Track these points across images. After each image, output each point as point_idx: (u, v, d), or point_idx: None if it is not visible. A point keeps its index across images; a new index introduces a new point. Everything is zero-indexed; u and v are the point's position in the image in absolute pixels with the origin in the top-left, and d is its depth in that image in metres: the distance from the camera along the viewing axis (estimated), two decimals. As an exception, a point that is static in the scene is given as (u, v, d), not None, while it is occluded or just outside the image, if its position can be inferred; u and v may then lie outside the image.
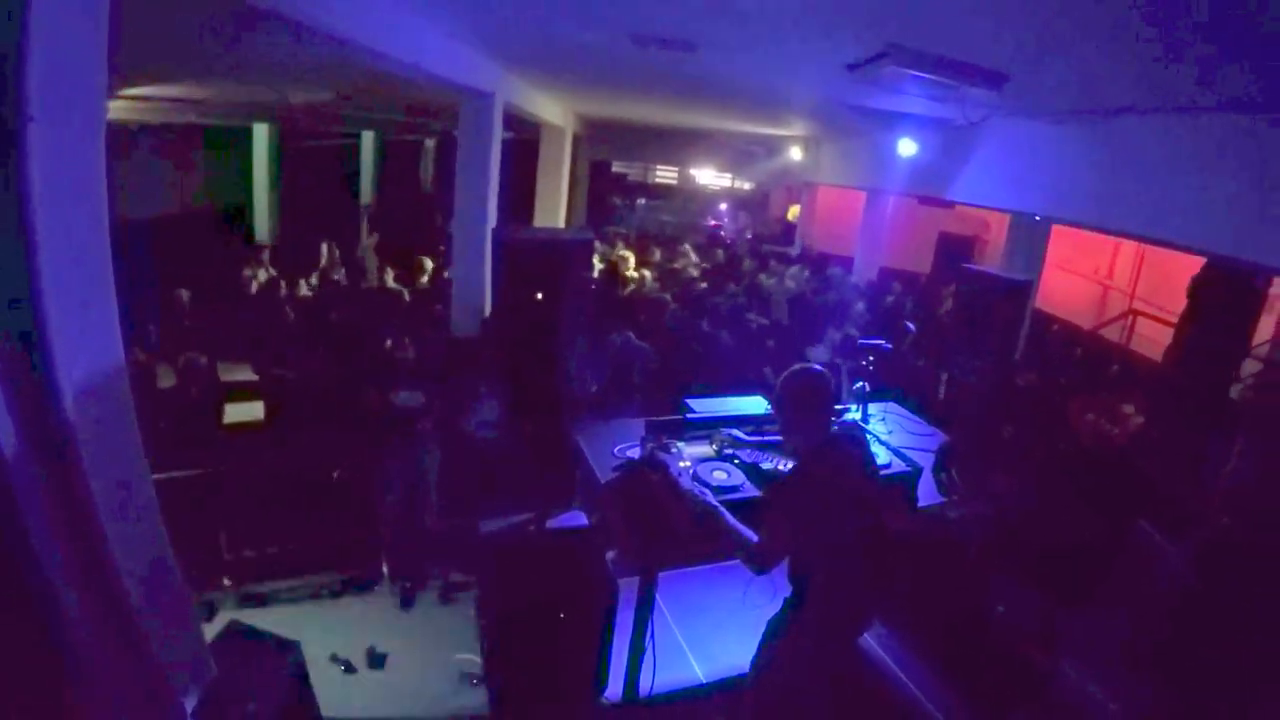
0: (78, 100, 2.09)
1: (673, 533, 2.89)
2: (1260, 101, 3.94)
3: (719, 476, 3.12)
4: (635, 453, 3.40)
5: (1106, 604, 4.74)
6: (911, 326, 7.34)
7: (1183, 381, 6.80)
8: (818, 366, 2.89)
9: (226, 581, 5.09)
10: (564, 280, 2.88)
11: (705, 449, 3.41)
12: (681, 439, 3.43)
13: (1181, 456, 5.96)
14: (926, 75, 4.34)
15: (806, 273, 11.46)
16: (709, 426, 3.56)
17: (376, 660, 4.61)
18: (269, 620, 4.44)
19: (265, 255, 9.52)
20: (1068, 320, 11.38)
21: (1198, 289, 6.65)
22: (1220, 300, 6.38)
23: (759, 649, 3.11)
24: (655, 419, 3.53)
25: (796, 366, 2.89)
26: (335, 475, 5.42)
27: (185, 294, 7.35)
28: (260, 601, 5.05)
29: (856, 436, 2.94)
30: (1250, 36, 2.89)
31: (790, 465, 3.22)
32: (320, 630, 4.74)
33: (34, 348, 2.02)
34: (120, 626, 2.39)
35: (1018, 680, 3.87)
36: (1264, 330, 7.66)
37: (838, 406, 2.85)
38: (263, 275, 8.81)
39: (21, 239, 1.94)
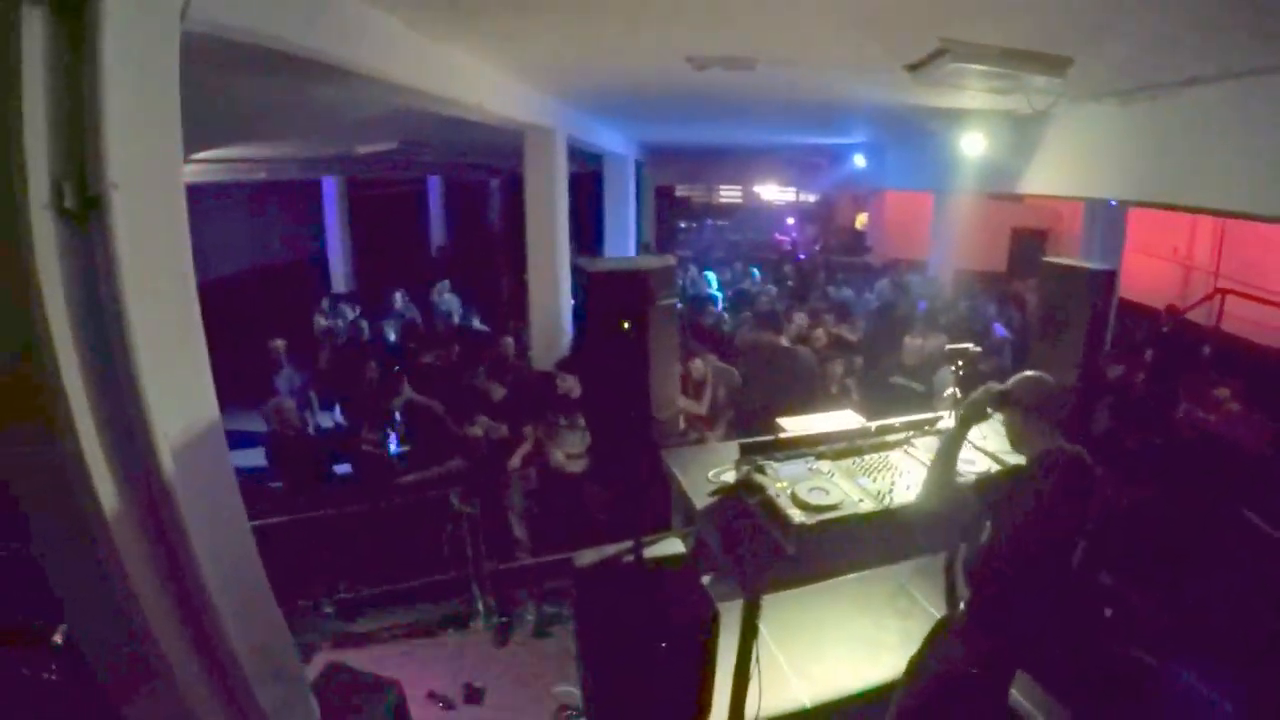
0: (157, 166, 2.18)
1: (776, 556, 2.85)
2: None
3: (818, 496, 3.05)
4: (730, 476, 3.36)
5: (1213, 598, 4.50)
6: (1001, 330, 7.13)
7: None
8: (1049, 377, 2.92)
9: (328, 614, 5.19)
10: (650, 307, 2.89)
11: (801, 468, 3.35)
12: (776, 460, 3.37)
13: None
14: (987, 68, 4.25)
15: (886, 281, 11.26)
16: (804, 446, 3.51)
17: (474, 696, 4.65)
18: (366, 659, 4.55)
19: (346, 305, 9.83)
20: (1150, 305, 10.91)
21: None
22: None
23: (915, 656, 3.11)
24: (748, 440, 3.48)
25: (1034, 373, 2.94)
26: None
27: (281, 343, 7.61)
28: (357, 642, 5.15)
29: (1083, 463, 2.86)
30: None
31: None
32: (417, 668, 4.81)
33: (130, 405, 2.09)
34: (225, 675, 2.45)
35: (1128, 684, 3.70)
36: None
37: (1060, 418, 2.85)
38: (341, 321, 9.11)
39: (114, 302, 2.01)
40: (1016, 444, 2.95)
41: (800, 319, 7.89)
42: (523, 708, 4.59)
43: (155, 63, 2.10)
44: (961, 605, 2.98)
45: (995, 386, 2.94)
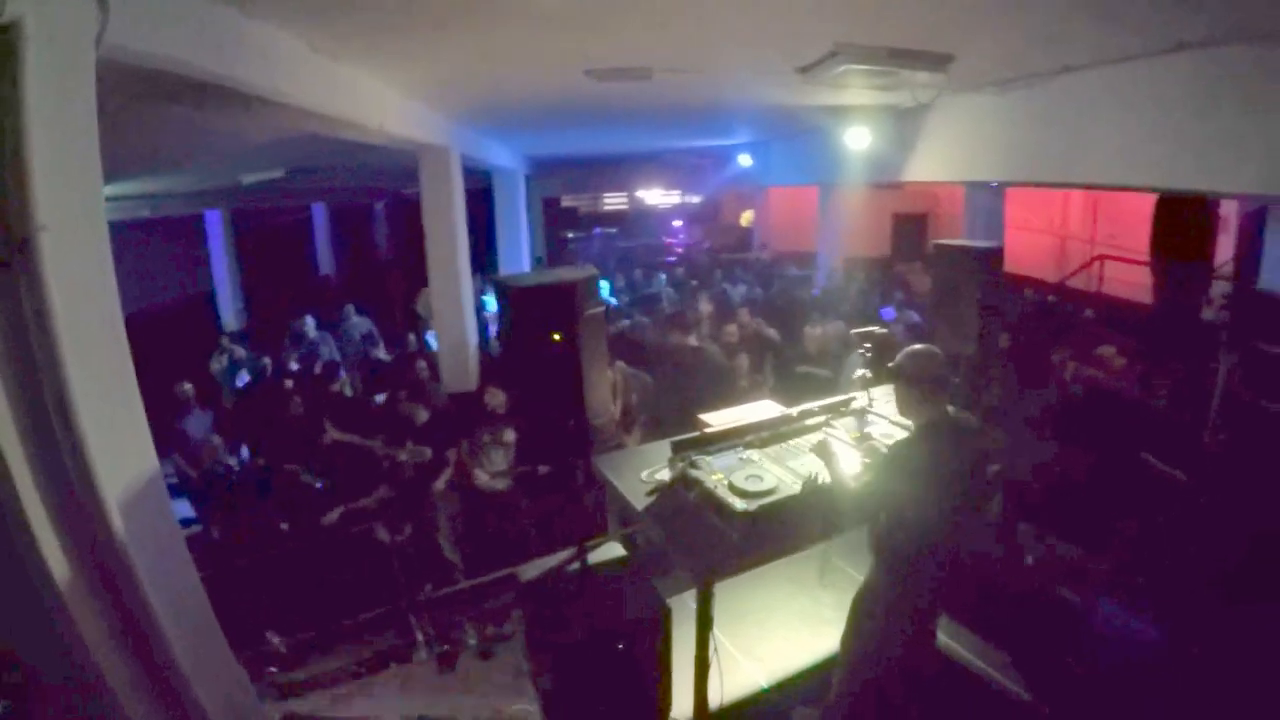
0: (82, 204, 2.09)
1: (722, 544, 2.95)
2: (1191, 40, 4.16)
3: (754, 483, 3.18)
4: (665, 474, 3.44)
5: (1123, 536, 4.90)
6: (888, 313, 7.47)
7: (1159, 313, 7.03)
8: (935, 349, 3.10)
9: (271, 671, 5.00)
10: (579, 318, 2.94)
11: (732, 459, 3.47)
12: (707, 454, 3.48)
13: (1167, 386, 6.16)
14: (876, 67, 4.50)
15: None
16: (732, 438, 3.63)
17: (430, 728, 4.57)
18: (315, 707, 4.41)
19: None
20: (1033, 277, 11.65)
21: (1158, 222, 6.89)
22: (1181, 229, 6.62)
23: (848, 630, 3.30)
24: (679, 438, 3.57)
25: (917, 347, 3.12)
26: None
27: (189, 387, 7.25)
28: (301, 689, 4.97)
29: (970, 426, 3.12)
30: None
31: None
32: (368, 707, 4.69)
33: (71, 462, 2.00)
34: None
35: (1056, 622, 3.98)
36: (1224, 251, 7.94)
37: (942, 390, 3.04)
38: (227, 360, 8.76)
39: (48, 351, 1.93)
40: (904, 412, 3.17)
41: (705, 307, 8.06)
42: (481, 732, 4.54)
43: (74, 94, 2.02)
44: (876, 569, 3.18)
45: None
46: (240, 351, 9.08)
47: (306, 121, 4.35)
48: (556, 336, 2.90)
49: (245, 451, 7.26)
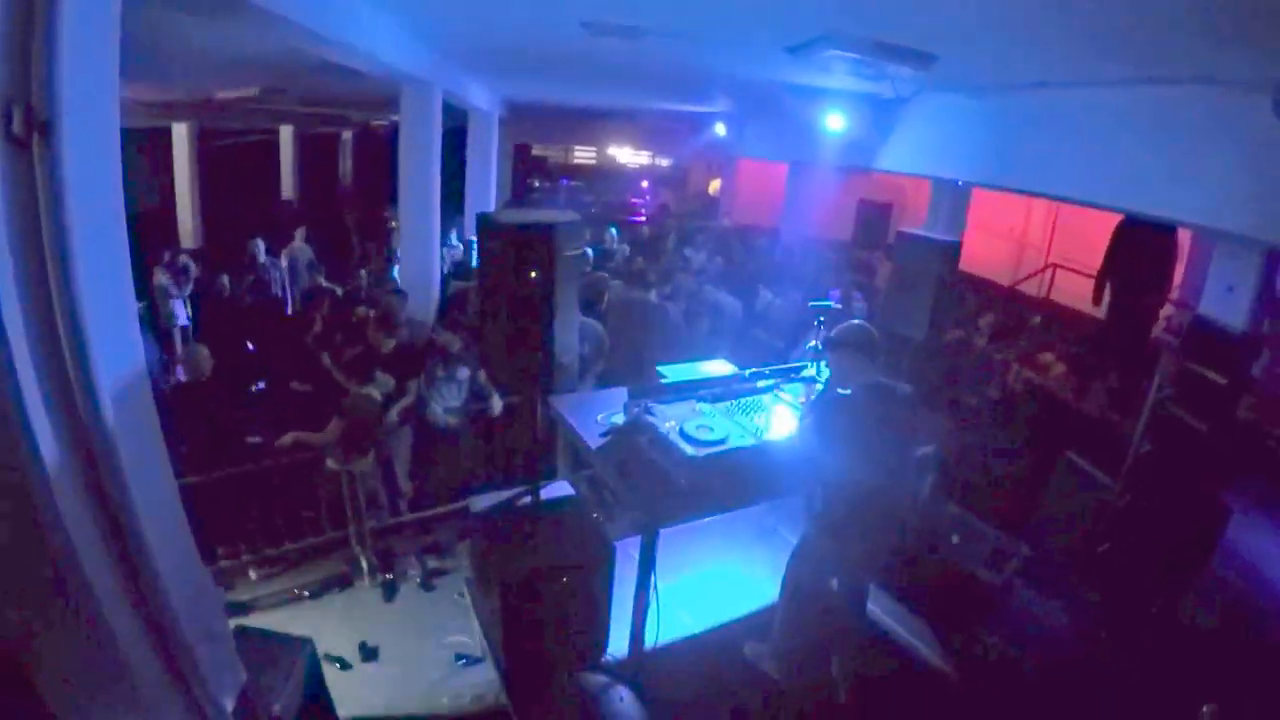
0: (101, 92, 2.08)
1: (671, 488, 3.11)
2: (1158, 76, 4.42)
3: (704, 433, 3.33)
4: (619, 419, 3.58)
5: (1046, 527, 5.23)
6: (834, 296, 7.66)
7: (1110, 326, 7.38)
8: (867, 324, 3.35)
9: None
10: (557, 258, 3.04)
11: (685, 409, 3.62)
12: (661, 403, 3.63)
13: (1106, 395, 6.51)
14: (861, 57, 4.62)
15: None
16: (686, 390, 3.79)
17: (369, 654, 4.64)
18: (255, 624, 4.47)
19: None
20: (987, 277, 12.02)
21: (1119, 241, 7.18)
22: (1140, 251, 6.92)
23: (786, 572, 3.53)
24: (636, 386, 3.71)
25: (852, 321, 3.37)
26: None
27: (140, 306, 7.12)
28: (242, 609, 5.03)
29: (902, 392, 3.31)
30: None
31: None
32: (307, 631, 4.74)
33: (69, 352, 2.00)
34: (169, 641, 2.40)
35: (977, 600, 4.26)
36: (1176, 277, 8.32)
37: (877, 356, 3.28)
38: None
39: (58, 235, 1.92)
40: (839, 380, 3.38)
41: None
42: (419, 660, 4.63)
43: None
44: (812, 528, 3.40)
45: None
46: (193, 268, 8.91)
47: (295, 35, 4.29)
48: (534, 274, 3.00)
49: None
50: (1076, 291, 10.17)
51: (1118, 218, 7.12)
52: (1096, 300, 7.53)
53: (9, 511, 2.04)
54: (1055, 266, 11.08)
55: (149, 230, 12.49)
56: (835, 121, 7.64)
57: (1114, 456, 5.27)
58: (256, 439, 5.66)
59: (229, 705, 2.67)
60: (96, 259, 2.05)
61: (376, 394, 5.53)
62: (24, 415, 1.93)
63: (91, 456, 2.11)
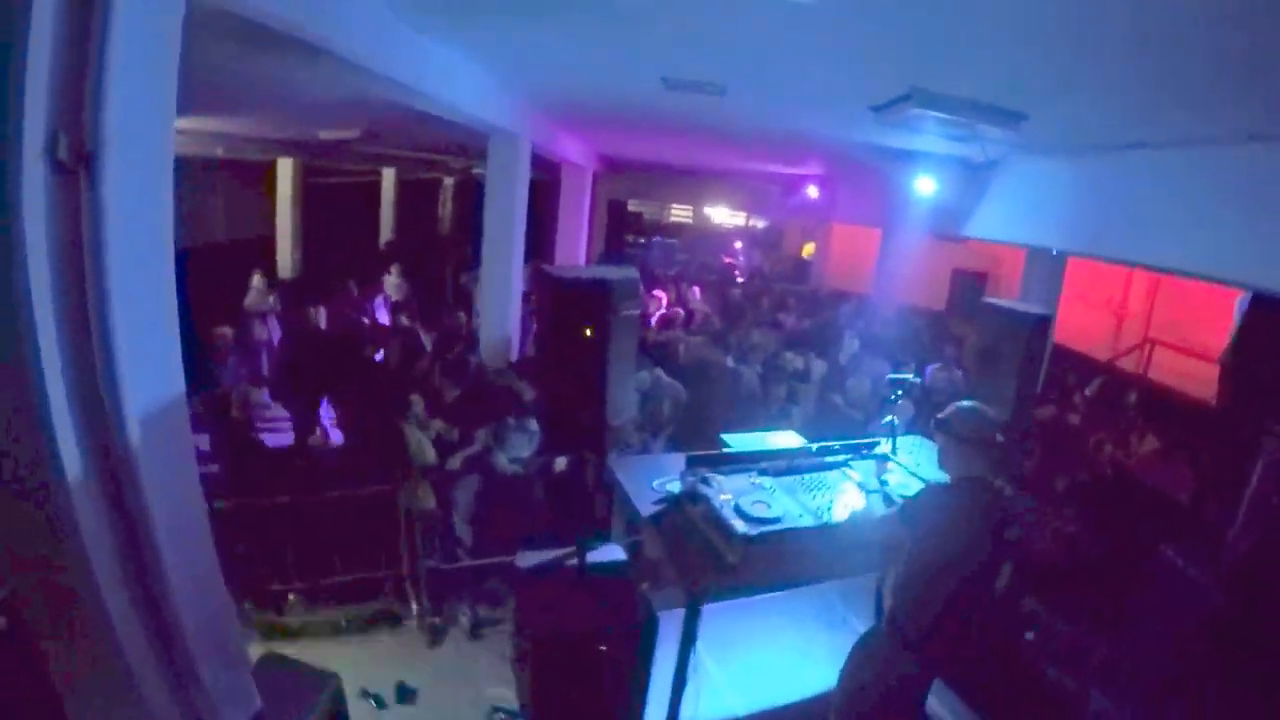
0: (151, 127, 2.15)
1: (718, 564, 2.94)
2: (1267, 132, 4.08)
3: (760, 509, 3.17)
4: (675, 486, 3.44)
5: (1133, 629, 4.78)
6: (930, 370, 7.37)
7: (1226, 412, 6.86)
8: (988, 409, 3.10)
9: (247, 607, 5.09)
10: (612, 317, 2.97)
11: (744, 482, 3.46)
12: (720, 473, 3.47)
13: (1213, 485, 6.01)
14: (948, 116, 4.47)
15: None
16: (748, 461, 3.63)
17: (406, 695, 4.60)
18: (296, 653, 4.48)
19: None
20: (1082, 351, 11.40)
21: (1248, 320, 6.71)
22: (1266, 333, 6.44)
23: (845, 671, 3.26)
24: (695, 453, 3.57)
25: (969, 404, 3.13)
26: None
27: (229, 331, 7.38)
28: (287, 635, 5.06)
29: (1002, 491, 3.06)
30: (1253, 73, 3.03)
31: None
32: (349, 665, 4.73)
33: (100, 373, 2.06)
34: (176, 655, 2.43)
35: (1049, 707, 3.90)
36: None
37: (998, 456, 3.04)
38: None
39: (96, 261, 1.98)
40: (943, 465, 3.14)
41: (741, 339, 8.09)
42: (455, 709, 4.57)
43: (159, 19, 2.09)
44: (883, 621, 3.15)
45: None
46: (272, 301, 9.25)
47: (384, 87, 4.43)
48: (588, 331, 2.93)
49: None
50: (1176, 369, 9.55)
51: (1228, 292, 6.66)
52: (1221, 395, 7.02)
53: (31, 515, 2.09)
54: (1154, 342, 10.42)
55: (251, 257, 13.18)
56: (925, 185, 7.45)
57: (1213, 553, 4.82)
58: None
59: (238, 728, 2.65)
60: (136, 285, 2.09)
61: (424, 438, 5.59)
62: (51, 433, 1.98)
63: (117, 475, 2.15)
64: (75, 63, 1.89)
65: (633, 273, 3.21)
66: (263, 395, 6.07)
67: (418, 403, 5.96)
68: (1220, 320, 7.72)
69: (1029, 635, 4.06)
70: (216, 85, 5.31)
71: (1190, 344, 9.50)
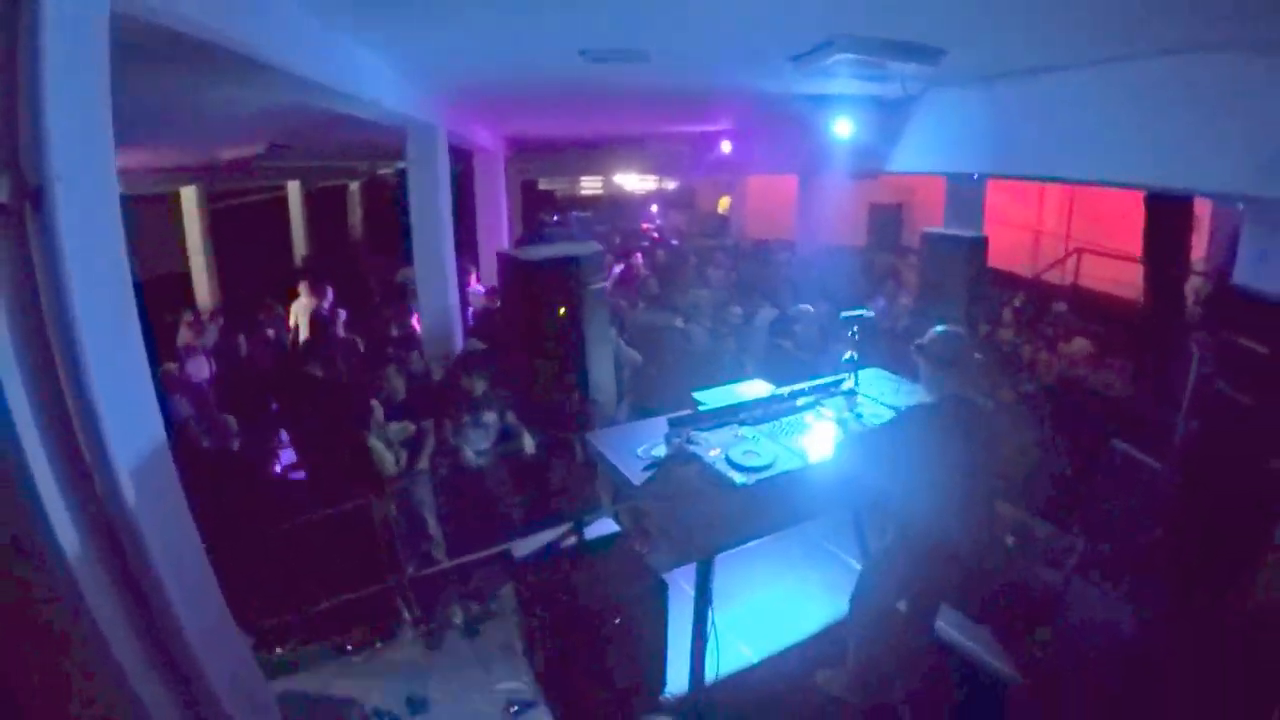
0: (95, 157, 2.07)
1: (721, 517, 3.00)
2: (1176, 47, 4.31)
3: (751, 458, 3.23)
4: (661, 451, 3.47)
5: (1100, 520, 5.05)
6: (881, 305, 7.55)
7: (1146, 306, 7.23)
8: (961, 332, 3.22)
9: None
10: (584, 292, 2.96)
11: (728, 435, 3.51)
12: (703, 430, 3.52)
13: (1144, 378, 6.35)
14: (869, 58, 4.55)
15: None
16: (726, 415, 3.68)
17: (419, 707, 4.55)
18: (301, 685, 4.39)
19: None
20: (1008, 270, 11.85)
21: (1147, 219, 7.06)
22: (1159, 225, 6.79)
23: (855, 598, 3.40)
24: (675, 415, 3.59)
25: (945, 328, 3.23)
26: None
27: (174, 367, 7.11)
28: (285, 670, 4.95)
29: (985, 407, 3.20)
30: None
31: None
32: (354, 687, 4.68)
33: (81, 421, 1.96)
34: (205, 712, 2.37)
35: (1039, 603, 4.10)
36: (1197, 250, 8.16)
37: (977, 373, 3.15)
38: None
39: (57, 306, 1.89)
40: (927, 388, 3.27)
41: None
42: (471, 709, 4.54)
43: (88, 44, 1.99)
44: (881, 550, 3.28)
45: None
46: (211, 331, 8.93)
47: (300, 90, 4.29)
48: (562, 311, 2.92)
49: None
50: (1103, 275, 10.01)
51: (1137, 198, 6.99)
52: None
53: (32, 601, 1.98)
54: (1080, 251, 10.90)
55: (168, 294, 12.61)
56: (843, 128, 7.55)
57: (1160, 441, 5.10)
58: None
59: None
60: (102, 326, 2.00)
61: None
62: (39, 504, 1.87)
63: (115, 537, 2.06)
64: (6, 97, 1.78)
65: (595, 246, 3.20)
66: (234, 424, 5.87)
67: (378, 409, 5.85)
68: (1135, 223, 8.10)
69: (1009, 541, 4.25)
70: (121, 113, 5.05)
71: (1111, 249, 9.95)
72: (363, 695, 4.54)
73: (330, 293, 9.79)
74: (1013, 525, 4.34)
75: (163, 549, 2.16)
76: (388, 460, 5.65)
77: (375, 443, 5.65)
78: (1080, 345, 7.76)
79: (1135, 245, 7.80)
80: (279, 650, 5.09)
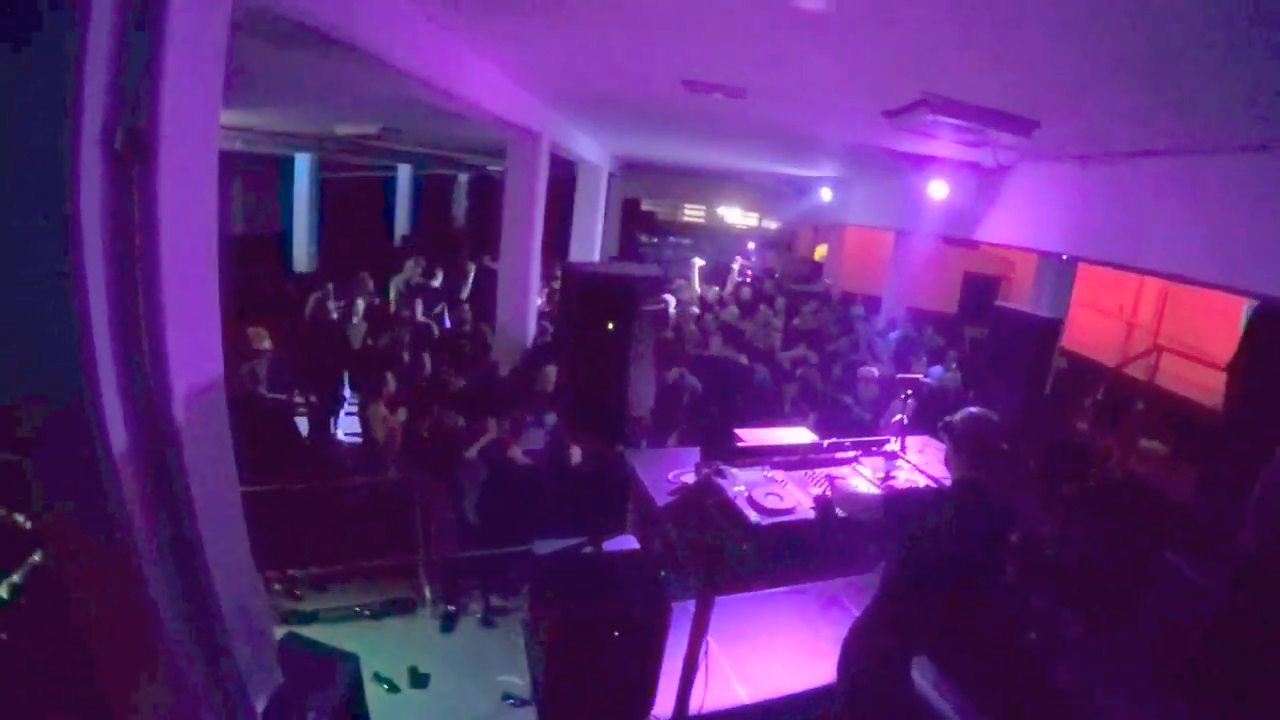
0: (200, 119, 2.26)
1: (732, 555, 3.03)
2: (1273, 141, 4.15)
3: (773, 500, 3.25)
4: (690, 478, 3.53)
5: (1134, 629, 4.84)
6: (938, 370, 7.43)
7: (1232, 420, 6.87)
8: (993, 416, 3.15)
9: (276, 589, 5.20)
10: (636, 312, 3.05)
11: (757, 475, 3.54)
12: (734, 466, 3.56)
13: (1219, 490, 6.04)
14: (959, 122, 4.54)
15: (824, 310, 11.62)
16: (760, 455, 3.71)
17: (419, 680, 4.69)
18: (312, 634, 4.58)
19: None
20: (1091, 357, 11.43)
21: (1254, 327, 6.71)
22: (1263, 339, 6.43)
23: (841, 655, 3.35)
24: (710, 446, 3.66)
25: (976, 411, 3.18)
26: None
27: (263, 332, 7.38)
28: (303, 619, 5.16)
29: (1000, 500, 3.14)
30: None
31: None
32: (362, 649, 4.83)
33: (147, 353, 2.17)
34: (210, 628, 2.52)
35: (1051, 704, 3.95)
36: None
37: (1001, 463, 3.12)
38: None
39: (148, 248, 2.09)
40: (948, 464, 3.23)
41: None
42: (467, 694, 4.66)
43: (209, 20, 2.20)
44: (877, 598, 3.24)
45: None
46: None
47: (409, 86, 4.54)
48: (610, 325, 3.02)
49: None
50: (1185, 376, 9.57)
51: (1236, 300, 6.67)
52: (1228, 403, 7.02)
53: (75, 487, 2.20)
54: (1161, 349, 10.44)
55: (267, 252, 13.30)
56: (938, 189, 7.50)
57: (1216, 556, 4.87)
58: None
59: (260, 705, 2.76)
60: (183, 269, 2.20)
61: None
62: (99, 410, 2.08)
63: (160, 450, 2.25)
64: (132, 61, 1.99)
65: (656, 270, 3.30)
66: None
67: (391, 381, 6.12)
68: (1227, 328, 7.74)
69: (1032, 635, 4.12)
70: (243, 80, 5.42)
71: (1198, 351, 9.52)
72: (368, 656, 4.70)
73: (440, 274, 10.17)
74: (1041, 620, 4.21)
75: (201, 470, 2.36)
76: (380, 430, 5.95)
77: (375, 409, 5.94)
78: (1153, 446, 7.45)
79: (1224, 349, 7.44)
80: (301, 599, 5.33)
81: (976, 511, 3.01)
